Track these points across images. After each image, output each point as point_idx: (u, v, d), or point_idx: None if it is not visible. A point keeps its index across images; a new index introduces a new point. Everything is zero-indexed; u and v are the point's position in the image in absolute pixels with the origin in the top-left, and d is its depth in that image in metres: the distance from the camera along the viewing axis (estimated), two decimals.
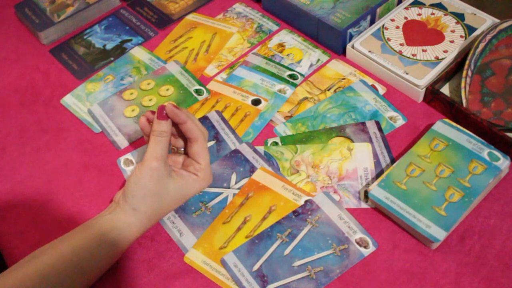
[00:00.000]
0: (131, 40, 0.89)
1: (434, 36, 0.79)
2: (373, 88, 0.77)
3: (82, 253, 0.56)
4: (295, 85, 0.78)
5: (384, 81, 0.78)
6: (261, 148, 0.71)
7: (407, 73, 0.74)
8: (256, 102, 0.76)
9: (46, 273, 0.53)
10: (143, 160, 0.59)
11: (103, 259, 0.58)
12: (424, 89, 0.73)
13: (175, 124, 0.62)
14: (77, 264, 0.55)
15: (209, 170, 0.64)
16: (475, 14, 0.81)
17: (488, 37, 0.73)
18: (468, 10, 0.82)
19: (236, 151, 0.70)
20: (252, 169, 0.68)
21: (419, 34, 0.80)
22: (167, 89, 0.80)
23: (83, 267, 0.56)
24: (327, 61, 0.81)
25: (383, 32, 0.80)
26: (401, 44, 0.78)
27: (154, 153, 0.59)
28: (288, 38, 0.86)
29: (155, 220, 0.62)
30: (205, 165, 0.63)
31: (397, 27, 0.81)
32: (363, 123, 0.72)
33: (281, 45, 0.85)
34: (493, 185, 0.64)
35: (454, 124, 0.67)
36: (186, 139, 0.64)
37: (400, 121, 0.72)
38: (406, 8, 0.84)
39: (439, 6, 0.83)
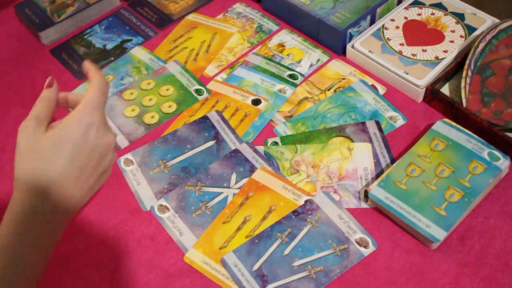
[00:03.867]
0: (131, 40, 0.89)
1: (434, 36, 0.79)
2: (373, 88, 0.77)
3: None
4: (295, 85, 0.78)
5: (384, 81, 0.78)
6: (261, 148, 0.71)
7: (407, 73, 0.74)
8: (256, 102, 0.76)
9: None
10: None
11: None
12: (424, 89, 0.73)
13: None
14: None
15: (87, 104, 0.53)
16: (475, 14, 0.81)
17: (488, 37, 0.73)
18: (468, 10, 0.82)
19: (236, 151, 0.70)
20: (252, 169, 0.68)
21: (419, 34, 0.80)
22: (167, 89, 0.80)
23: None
24: (327, 61, 0.81)
25: (383, 32, 0.80)
26: (401, 44, 0.78)
27: (29, 113, 0.53)
28: (288, 38, 0.86)
29: (45, 184, 0.49)
30: (85, 99, 0.53)
31: (397, 27, 0.81)
32: (363, 123, 0.72)
33: (281, 45, 0.85)
34: (493, 185, 0.64)
35: (454, 124, 0.67)
36: None
37: (400, 121, 0.72)
38: (406, 8, 0.84)
39: (439, 6, 0.83)
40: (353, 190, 0.66)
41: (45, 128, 0.51)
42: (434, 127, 0.67)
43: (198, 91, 0.79)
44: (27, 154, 0.50)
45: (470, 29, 0.79)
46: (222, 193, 0.67)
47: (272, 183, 0.66)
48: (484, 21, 0.80)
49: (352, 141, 0.70)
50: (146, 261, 0.62)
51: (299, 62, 0.82)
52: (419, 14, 0.82)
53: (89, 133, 0.51)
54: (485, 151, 0.64)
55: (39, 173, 0.49)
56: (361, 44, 0.79)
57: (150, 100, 0.79)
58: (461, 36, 0.78)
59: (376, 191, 0.62)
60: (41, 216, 0.48)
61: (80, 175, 0.51)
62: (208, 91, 0.79)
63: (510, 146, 0.65)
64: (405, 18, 0.82)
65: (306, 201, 0.64)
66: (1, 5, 0.98)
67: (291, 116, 0.75)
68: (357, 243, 0.61)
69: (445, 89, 0.76)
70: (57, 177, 0.49)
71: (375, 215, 0.64)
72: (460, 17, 0.81)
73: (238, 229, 0.63)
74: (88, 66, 0.57)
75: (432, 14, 0.82)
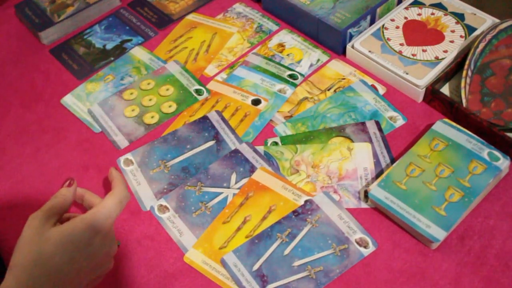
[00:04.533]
0: (131, 40, 0.89)
1: (434, 36, 0.79)
2: (373, 88, 0.77)
3: None
4: (295, 85, 0.78)
5: (384, 81, 0.78)
6: (261, 148, 0.71)
7: (407, 73, 0.74)
8: (256, 102, 0.76)
9: None
10: None
11: None
12: (424, 89, 0.73)
13: None
14: None
15: (102, 212, 0.54)
16: (475, 14, 0.81)
17: (488, 37, 0.73)
18: (468, 10, 0.82)
19: (236, 151, 0.70)
20: (252, 169, 0.68)
21: (419, 34, 0.80)
22: (167, 89, 0.80)
23: None
24: (327, 61, 0.81)
25: (383, 32, 0.80)
26: (401, 44, 0.78)
27: (42, 208, 0.53)
28: (288, 38, 0.86)
29: (41, 279, 0.49)
30: (100, 205, 0.54)
31: (397, 27, 0.81)
32: (363, 123, 0.72)
33: (281, 45, 0.85)
34: (493, 185, 0.64)
35: (454, 124, 0.67)
36: None
37: (400, 121, 0.72)
38: (406, 8, 0.84)
39: (439, 6, 0.83)
40: (353, 190, 0.66)
41: (53, 223, 0.52)
42: (434, 127, 0.67)
43: (198, 91, 0.79)
44: (30, 245, 0.50)
45: (470, 29, 0.79)
46: (222, 193, 0.67)
47: (272, 183, 0.66)
48: (484, 21, 0.80)
49: (352, 141, 0.70)
50: (146, 261, 0.62)
51: (299, 62, 0.82)
52: (419, 14, 0.82)
53: (94, 239, 0.52)
54: (485, 151, 0.64)
55: (38, 266, 0.49)
56: (361, 44, 0.79)
57: (150, 100, 0.79)
58: (461, 36, 0.78)
59: (376, 191, 0.62)
60: None
61: (76, 277, 0.51)
62: (208, 91, 0.79)
63: (510, 146, 0.65)
64: (405, 18, 0.82)
65: (306, 201, 0.64)
66: (1, 5, 0.98)
67: (291, 116, 0.75)
68: (357, 243, 0.61)
69: (445, 89, 0.76)
70: (54, 274, 0.49)
71: (375, 215, 0.64)
72: (460, 17, 0.81)
73: (238, 229, 0.63)
74: (114, 174, 0.58)
75: (432, 14, 0.82)
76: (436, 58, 0.76)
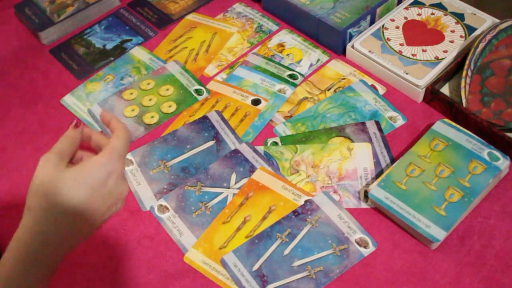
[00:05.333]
0: (131, 40, 0.89)
1: (434, 36, 0.79)
2: (373, 88, 0.77)
3: None
4: (295, 85, 0.78)
5: (384, 81, 0.78)
6: (261, 148, 0.71)
7: (407, 73, 0.74)
8: (256, 102, 0.76)
9: None
10: None
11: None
12: (424, 89, 0.73)
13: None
14: None
15: (115, 151, 0.55)
16: (475, 14, 0.81)
17: (488, 37, 0.73)
18: (468, 10, 0.82)
19: (236, 151, 0.70)
20: (252, 169, 0.68)
21: (419, 34, 0.80)
22: (167, 89, 0.80)
23: None
24: (327, 61, 0.81)
25: (383, 32, 0.80)
26: (401, 44, 0.78)
27: (51, 149, 0.55)
28: (288, 38, 0.86)
29: (61, 219, 0.50)
30: (110, 145, 0.55)
31: (397, 27, 0.81)
32: (363, 123, 0.72)
33: (281, 45, 0.85)
34: (493, 185, 0.64)
35: (454, 124, 0.67)
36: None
37: (400, 121, 0.72)
38: (406, 8, 0.84)
39: (439, 6, 0.83)
40: (353, 190, 0.66)
41: (66, 164, 0.53)
42: (434, 127, 0.67)
43: (198, 91, 0.79)
44: (46, 186, 0.50)
45: (470, 29, 0.79)
46: (222, 193, 0.67)
47: (272, 183, 0.66)
48: (484, 21, 0.80)
49: (352, 141, 0.70)
50: (146, 261, 0.62)
51: (299, 62, 0.82)
52: (419, 14, 0.82)
53: (109, 180, 0.53)
54: (485, 151, 0.64)
55: (56, 206, 0.50)
56: (361, 44, 0.79)
57: (150, 100, 0.79)
58: (461, 36, 0.78)
59: (376, 191, 0.62)
60: (49, 248, 0.50)
61: (90, 217, 0.52)
62: (208, 91, 0.79)
63: (510, 146, 0.65)
64: (405, 18, 0.82)
65: (306, 201, 0.64)
66: (1, 5, 0.98)
67: (291, 116, 0.75)
68: (357, 243, 0.61)
69: (445, 89, 0.76)
70: (71, 214, 0.50)
71: (375, 215, 0.64)
72: (460, 17, 0.81)
73: (238, 229, 0.63)
74: (107, 116, 0.58)
75: (432, 14, 0.82)
76: (436, 58, 0.76)
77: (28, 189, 0.51)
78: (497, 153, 0.63)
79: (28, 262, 0.49)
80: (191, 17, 0.91)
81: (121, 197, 0.55)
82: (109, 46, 0.88)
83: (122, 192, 0.55)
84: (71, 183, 0.51)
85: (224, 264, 0.60)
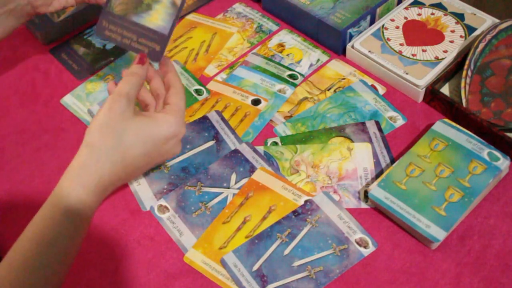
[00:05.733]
0: None
1: (434, 36, 0.79)
2: (373, 88, 0.77)
3: (44, 246, 0.48)
4: (295, 85, 0.78)
5: (384, 81, 0.78)
6: (261, 148, 0.71)
7: (407, 73, 0.74)
8: (256, 102, 0.76)
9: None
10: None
11: (70, 237, 0.50)
12: (424, 89, 0.73)
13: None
14: (42, 258, 0.47)
15: (181, 114, 0.57)
16: (475, 14, 0.81)
17: (488, 37, 0.73)
18: (468, 10, 0.82)
19: (236, 151, 0.70)
20: (252, 169, 0.68)
21: (419, 34, 0.80)
22: None
23: (50, 257, 0.48)
24: (327, 61, 0.81)
25: (383, 32, 0.80)
26: (401, 44, 0.78)
27: (119, 89, 0.54)
28: (288, 38, 0.86)
29: (118, 164, 0.52)
30: (177, 106, 0.57)
31: (397, 27, 0.81)
32: (363, 123, 0.72)
33: (281, 45, 0.85)
34: (493, 185, 0.64)
35: (454, 124, 0.67)
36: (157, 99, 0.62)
37: (400, 121, 0.72)
38: (406, 8, 0.84)
39: (439, 6, 0.83)
40: (353, 190, 0.66)
41: (133, 108, 0.54)
42: (434, 127, 0.67)
43: (198, 91, 0.79)
44: (112, 129, 0.52)
45: (470, 29, 0.79)
46: (222, 193, 0.67)
47: (272, 183, 0.66)
48: (484, 21, 0.80)
49: (352, 141, 0.70)
50: (146, 261, 0.62)
51: (299, 62, 0.82)
52: (419, 14, 0.82)
53: (170, 141, 0.56)
54: (485, 151, 0.64)
55: (118, 152, 0.52)
56: (361, 44, 0.79)
57: None
58: (461, 36, 0.78)
59: (376, 191, 0.62)
60: (102, 187, 0.52)
61: (144, 167, 0.56)
62: (208, 91, 0.79)
63: (510, 146, 0.65)
64: (405, 18, 0.82)
65: (306, 201, 0.64)
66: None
67: (291, 116, 0.75)
68: (357, 243, 0.61)
69: (445, 89, 0.76)
70: (129, 162, 0.53)
71: (375, 215, 0.64)
72: (460, 17, 0.81)
73: (238, 229, 0.63)
74: (169, 65, 0.60)
75: (432, 14, 0.82)
76: (436, 58, 0.76)
77: (90, 126, 0.52)
78: (497, 153, 0.63)
79: (85, 193, 0.50)
80: (191, 17, 0.91)
81: (173, 155, 0.60)
82: (109, 46, 0.88)
83: (175, 152, 0.60)
84: (138, 135, 0.53)
85: (224, 264, 0.60)
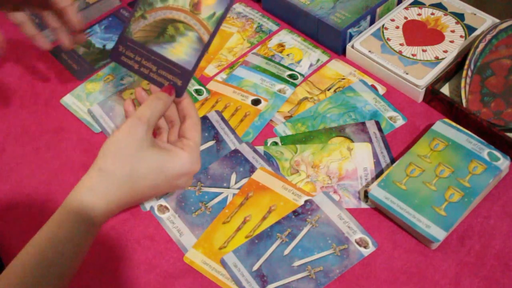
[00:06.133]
0: None
1: (434, 36, 0.79)
2: (373, 88, 0.77)
3: (49, 255, 0.48)
4: (295, 85, 0.78)
5: (384, 81, 0.78)
6: (261, 148, 0.71)
7: (407, 73, 0.74)
8: (256, 102, 0.76)
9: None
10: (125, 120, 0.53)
11: (73, 252, 0.49)
12: (424, 89, 0.73)
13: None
14: (44, 271, 0.47)
15: (197, 151, 0.56)
16: (475, 14, 0.81)
17: (488, 37, 0.73)
18: (468, 10, 0.82)
19: (236, 151, 0.70)
20: (252, 169, 0.68)
21: (419, 34, 0.80)
22: None
23: (52, 271, 0.48)
24: (327, 61, 0.81)
25: (383, 32, 0.80)
26: (401, 44, 0.78)
27: (140, 113, 0.52)
28: (288, 38, 0.86)
29: (127, 193, 0.51)
30: (194, 142, 0.56)
31: (397, 27, 0.81)
32: (363, 123, 0.72)
33: (281, 45, 0.85)
34: (493, 185, 0.64)
35: (454, 124, 0.67)
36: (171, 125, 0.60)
37: (400, 121, 0.72)
38: (406, 8, 0.84)
39: (439, 6, 0.83)
40: (353, 190, 0.66)
41: (151, 137, 0.53)
42: (434, 127, 0.67)
43: (198, 91, 0.79)
44: (128, 157, 0.50)
45: (470, 29, 0.79)
46: (222, 193, 0.67)
47: (272, 183, 0.66)
48: (484, 21, 0.80)
49: (352, 141, 0.70)
50: (146, 261, 0.62)
51: (299, 62, 0.82)
52: (419, 14, 0.82)
53: (183, 177, 0.55)
54: (485, 151, 0.64)
55: (129, 182, 0.51)
56: (361, 44, 0.79)
57: None
58: (461, 36, 0.78)
59: (376, 191, 0.62)
60: (108, 212, 0.51)
61: (149, 197, 0.56)
62: (208, 91, 0.79)
63: (510, 146, 0.65)
64: (405, 18, 0.82)
65: (306, 201, 0.64)
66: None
67: (291, 116, 0.75)
68: (357, 243, 0.61)
69: (445, 89, 0.76)
70: (138, 193, 0.52)
71: (375, 215, 0.64)
72: (460, 17, 0.81)
73: (238, 229, 0.63)
74: (189, 106, 0.57)
75: (432, 14, 0.82)
76: (436, 58, 0.76)
77: (105, 147, 0.51)
78: (497, 153, 0.63)
79: (85, 223, 0.50)
80: None
81: (182, 189, 0.59)
82: (109, 46, 0.88)
83: (186, 186, 0.58)
84: (151, 168, 0.52)
85: (224, 264, 0.60)
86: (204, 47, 0.55)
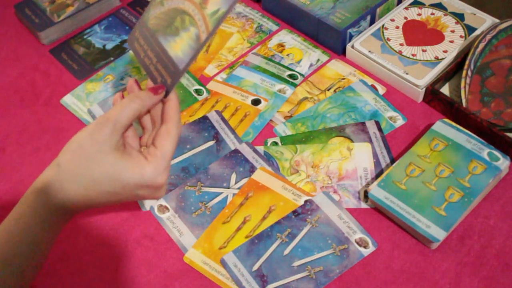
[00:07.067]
0: None
1: (434, 36, 0.79)
2: (373, 88, 0.77)
3: (4, 251, 0.47)
4: (295, 85, 0.78)
5: (384, 81, 0.78)
6: (261, 148, 0.71)
7: (407, 73, 0.74)
8: (256, 102, 0.76)
9: None
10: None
11: (30, 249, 0.48)
12: (424, 89, 0.73)
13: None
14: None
15: (163, 162, 0.50)
16: (475, 14, 0.81)
17: (488, 37, 0.73)
18: (468, 10, 0.82)
19: (236, 151, 0.70)
20: (252, 169, 0.68)
21: (419, 34, 0.80)
22: None
23: (9, 269, 0.47)
24: (327, 61, 0.81)
25: (383, 32, 0.80)
26: (401, 44, 0.78)
27: (110, 112, 0.49)
28: (288, 38, 0.86)
29: (84, 194, 0.48)
30: (161, 152, 0.50)
31: (397, 27, 0.81)
32: (363, 123, 0.72)
33: (281, 45, 0.85)
34: (493, 185, 0.64)
35: (454, 124, 0.67)
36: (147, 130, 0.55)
37: (400, 121, 0.72)
38: (406, 8, 0.84)
39: (439, 6, 0.83)
40: (353, 190, 0.66)
41: (115, 141, 0.49)
42: (434, 127, 0.67)
43: (198, 91, 0.79)
44: (85, 155, 0.48)
45: (470, 29, 0.79)
46: (222, 193, 0.67)
47: (272, 183, 0.66)
48: (484, 21, 0.80)
49: (352, 141, 0.70)
50: (146, 261, 0.62)
51: (299, 62, 0.82)
52: (419, 14, 0.82)
53: (145, 188, 0.50)
54: (485, 151, 0.64)
55: (83, 182, 0.48)
56: (361, 44, 0.79)
57: None
58: (461, 36, 0.78)
59: (376, 191, 0.62)
60: (62, 209, 0.49)
61: (110, 202, 0.50)
62: (208, 91, 0.79)
63: (510, 146, 0.65)
64: (405, 18, 0.82)
65: (306, 201, 0.64)
66: (1, 5, 0.98)
67: (291, 116, 0.75)
68: (357, 243, 0.61)
69: (445, 89, 0.76)
70: (94, 196, 0.49)
71: (375, 215, 0.64)
72: (460, 17, 0.81)
73: (238, 229, 0.63)
74: (171, 110, 0.52)
75: (432, 14, 0.82)
76: (436, 58, 0.76)
77: (67, 145, 0.49)
78: (497, 153, 0.63)
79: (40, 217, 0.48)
80: None
81: (152, 199, 0.53)
82: (109, 46, 0.88)
83: (156, 197, 0.53)
84: (107, 173, 0.48)
85: (224, 264, 0.60)
86: (199, 46, 0.51)
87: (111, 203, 0.51)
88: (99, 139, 0.48)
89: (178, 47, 0.53)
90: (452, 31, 0.79)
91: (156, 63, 0.54)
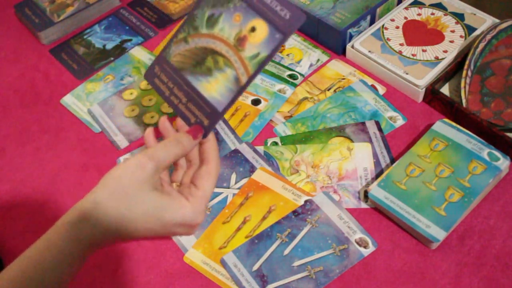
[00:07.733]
0: (131, 40, 0.89)
1: (434, 36, 0.79)
2: (373, 88, 0.77)
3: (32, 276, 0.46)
4: (295, 85, 0.78)
5: (384, 81, 0.78)
6: (261, 148, 0.71)
7: (407, 73, 0.74)
8: (256, 102, 0.76)
9: None
10: (136, 154, 0.50)
11: (55, 280, 0.47)
12: (424, 89, 0.73)
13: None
14: None
15: (203, 202, 0.51)
16: (475, 14, 0.81)
17: (488, 37, 0.73)
18: (468, 10, 0.82)
19: (236, 151, 0.70)
20: (252, 169, 0.68)
21: (419, 34, 0.80)
22: None
23: None
24: (327, 61, 0.81)
25: (383, 32, 0.80)
26: (401, 44, 0.78)
27: (152, 152, 0.49)
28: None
29: (118, 231, 0.48)
30: (203, 192, 0.51)
31: (397, 27, 0.81)
32: (363, 123, 0.72)
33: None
34: (493, 185, 0.64)
35: (454, 124, 0.67)
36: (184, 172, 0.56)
37: (400, 121, 0.72)
38: (406, 8, 0.84)
39: (439, 6, 0.83)
40: (353, 190, 0.66)
41: (156, 180, 0.49)
42: (434, 127, 0.67)
43: None
44: (126, 197, 0.47)
45: (470, 29, 0.79)
46: (222, 193, 0.67)
47: (272, 183, 0.66)
48: (484, 21, 0.80)
49: (352, 141, 0.70)
50: (146, 261, 0.62)
51: (299, 62, 0.82)
52: (419, 14, 0.82)
53: (181, 227, 0.50)
54: (485, 151, 0.64)
55: (121, 218, 0.47)
56: (361, 44, 0.79)
57: (150, 100, 0.79)
58: (461, 36, 0.78)
59: (376, 191, 0.62)
60: (99, 245, 0.48)
61: (140, 237, 0.50)
62: None
63: (510, 146, 0.65)
64: (405, 18, 0.82)
65: (306, 201, 0.64)
66: (1, 5, 0.98)
67: (291, 116, 0.75)
68: (357, 243, 0.61)
69: (445, 89, 0.76)
70: (128, 235, 0.48)
71: (375, 215, 0.64)
72: (460, 17, 0.81)
73: (238, 229, 0.63)
74: (209, 150, 0.52)
75: (432, 14, 0.82)
76: (436, 58, 0.76)
77: (105, 180, 0.48)
78: (497, 153, 0.63)
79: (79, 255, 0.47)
80: None
81: (183, 235, 0.55)
82: (109, 46, 0.88)
83: (188, 234, 0.52)
84: (148, 213, 0.48)
85: (224, 264, 0.60)
86: (239, 89, 0.49)
87: (145, 239, 0.51)
88: (140, 178, 0.47)
89: (213, 88, 0.52)
90: (452, 31, 0.79)
91: (187, 102, 0.53)
